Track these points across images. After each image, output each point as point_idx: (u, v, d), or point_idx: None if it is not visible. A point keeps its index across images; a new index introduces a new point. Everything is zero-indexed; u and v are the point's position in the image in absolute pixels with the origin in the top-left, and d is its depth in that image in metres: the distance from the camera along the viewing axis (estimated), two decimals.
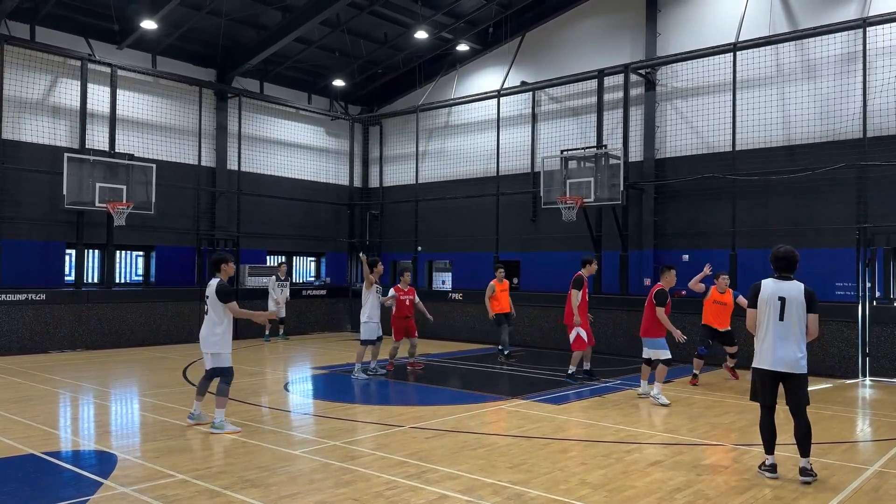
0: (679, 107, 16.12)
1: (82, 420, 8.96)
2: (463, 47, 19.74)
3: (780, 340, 6.16)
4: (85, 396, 10.13)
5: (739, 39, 14.84)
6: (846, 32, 13.67)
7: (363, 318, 11.92)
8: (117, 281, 17.11)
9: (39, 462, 6.59)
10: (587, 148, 16.19)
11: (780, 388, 6.36)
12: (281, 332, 18.13)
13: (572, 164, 15.86)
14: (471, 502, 5.53)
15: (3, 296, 14.34)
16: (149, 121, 17.57)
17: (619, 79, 16.48)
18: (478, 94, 19.33)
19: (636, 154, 16.49)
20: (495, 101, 18.82)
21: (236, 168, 18.93)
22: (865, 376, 12.26)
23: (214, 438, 7.53)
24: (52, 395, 10.10)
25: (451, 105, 20.16)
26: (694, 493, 5.83)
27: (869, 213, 13.20)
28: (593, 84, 16.86)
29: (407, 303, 12.77)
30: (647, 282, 16.25)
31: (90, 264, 16.82)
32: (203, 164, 18.53)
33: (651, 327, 9.92)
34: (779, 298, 6.18)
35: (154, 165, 16.25)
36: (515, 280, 18.67)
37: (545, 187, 16.06)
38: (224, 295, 7.79)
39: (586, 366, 11.73)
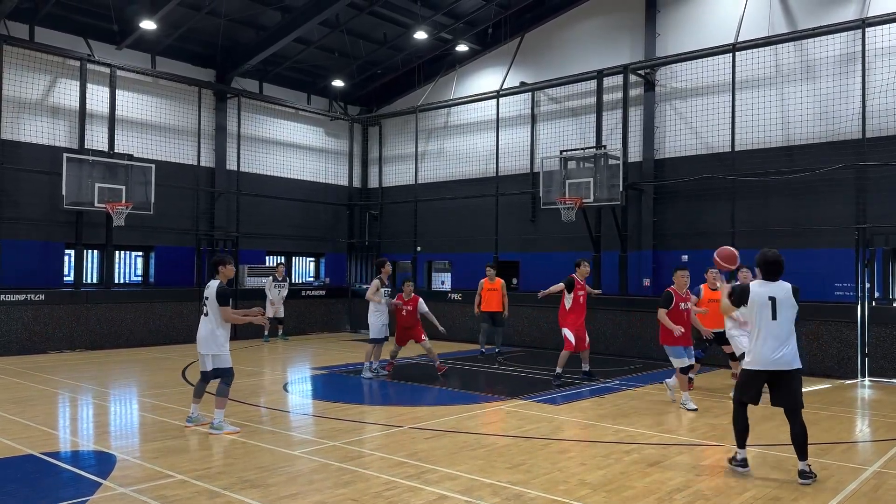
0: (678, 107, 16.13)
1: (81, 420, 8.96)
2: (462, 48, 19.75)
3: (775, 340, 6.26)
4: (84, 397, 10.12)
5: (739, 40, 14.85)
6: (845, 33, 13.69)
7: (370, 318, 11.90)
8: (116, 281, 17.10)
9: (38, 462, 6.59)
10: (586, 148, 16.19)
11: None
12: (280, 332, 18.12)
13: (571, 165, 15.86)
14: (470, 503, 5.53)
15: (2, 296, 14.32)
16: (148, 121, 17.56)
17: (619, 79, 16.49)
18: (477, 95, 19.33)
19: (635, 154, 16.49)
20: (494, 101, 18.83)
21: (235, 168, 18.93)
22: (864, 377, 12.26)
23: (214, 439, 7.52)
24: (51, 395, 10.10)
25: (450, 105, 20.16)
26: (693, 493, 5.84)
27: (868, 213, 13.21)
28: (592, 84, 16.87)
29: (404, 313, 11.98)
30: (647, 282, 16.27)
31: (89, 265, 16.82)
32: (202, 164, 18.53)
33: (661, 333, 9.68)
34: (769, 298, 6.34)
35: (153, 166, 16.25)
36: (515, 280, 18.67)
37: (544, 188, 16.06)
38: (221, 298, 7.78)
39: (585, 367, 11.71)
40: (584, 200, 15.27)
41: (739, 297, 6.49)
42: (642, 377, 12.19)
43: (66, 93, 16.05)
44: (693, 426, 8.42)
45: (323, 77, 20.80)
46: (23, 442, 7.26)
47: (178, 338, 16.61)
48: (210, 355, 7.88)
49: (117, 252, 17.17)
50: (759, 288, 6.41)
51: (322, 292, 20.64)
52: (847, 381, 12.09)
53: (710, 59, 15.26)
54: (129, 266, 17.98)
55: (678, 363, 9.45)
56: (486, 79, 19.82)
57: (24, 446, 7.09)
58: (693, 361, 9.65)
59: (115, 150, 16.27)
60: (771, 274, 6.47)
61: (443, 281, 20.93)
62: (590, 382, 11.38)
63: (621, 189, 15.00)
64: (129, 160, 16.05)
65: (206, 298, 7.87)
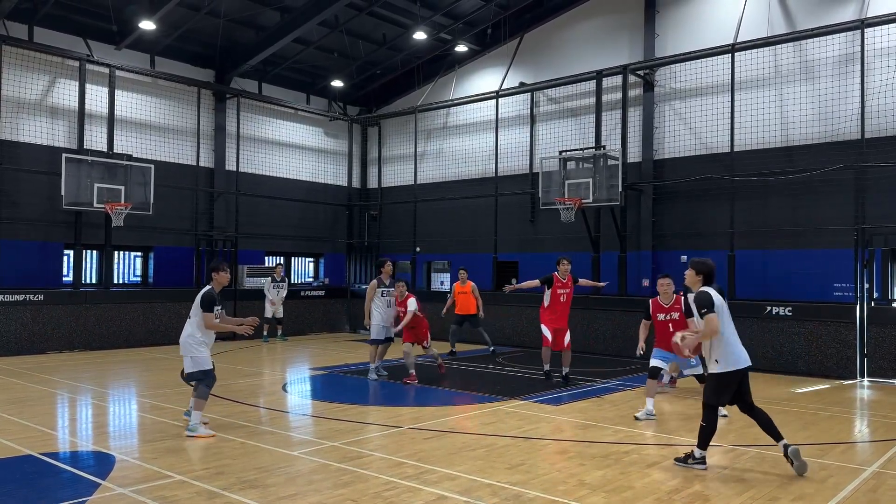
0: (677, 108, 16.13)
1: (80, 421, 8.95)
2: (462, 48, 19.75)
3: (738, 340, 6.55)
4: (83, 397, 10.12)
5: (738, 40, 14.86)
6: (844, 34, 13.70)
7: (372, 320, 11.87)
8: (115, 281, 17.10)
9: (37, 463, 6.58)
10: (586, 149, 16.20)
11: None
12: (280, 332, 18.12)
13: (571, 165, 15.87)
14: (469, 503, 5.53)
15: (2, 296, 14.31)
16: (147, 121, 17.56)
17: (618, 80, 16.50)
18: (476, 95, 19.34)
19: (634, 155, 16.50)
20: (494, 101, 18.83)
21: (235, 169, 18.93)
22: (863, 377, 12.26)
23: (213, 439, 7.51)
24: (50, 395, 10.09)
25: (449, 106, 20.16)
26: (692, 493, 5.84)
27: (867, 214, 13.22)
28: (592, 85, 16.87)
29: (400, 315, 11.49)
30: (646, 283, 16.28)
31: (88, 265, 16.81)
32: (201, 164, 18.53)
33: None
34: (724, 302, 6.60)
35: (152, 166, 16.24)
36: (514, 281, 18.66)
37: (544, 188, 16.07)
38: (205, 304, 7.75)
39: (564, 370, 11.43)
40: (584, 201, 15.27)
41: (710, 307, 6.40)
42: (641, 378, 12.14)
43: (66, 93, 16.04)
44: (692, 427, 8.40)
45: (322, 77, 20.80)
46: (22, 442, 7.26)
47: (177, 338, 16.48)
48: (189, 357, 7.83)
49: (116, 252, 17.16)
50: (717, 295, 6.53)
51: (321, 293, 20.63)
52: (846, 382, 12.09)
53: (709, 59, 15.27)
54: (128, 266, 17.98)
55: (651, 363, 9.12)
56: (486, 79, 19.83)
57: (23, 447, 7.09)
58: (664, 365, 9.02)
59: (115, 151, 16.26)
60: (712, 280, 6.66)
61: (442, 281, 20.93)
62: (567, 387, 11.01)
63: (620, 189, 15.00)
64: (129, 160, 16.04)
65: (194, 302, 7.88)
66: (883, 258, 13.32)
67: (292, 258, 21.42)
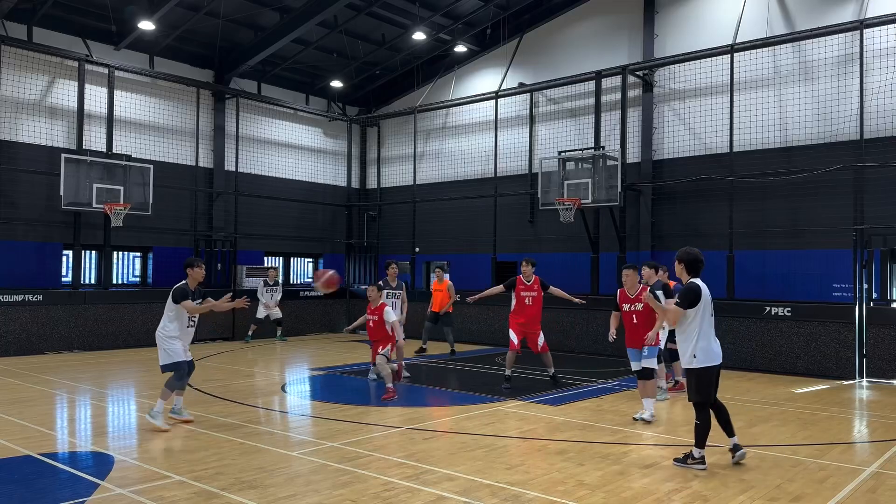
0: (676, 108, 16.14)
1: (79, 421, 8.94)
2: (461, 48, 19.76)
3: (714, 336, 6.65)
4: (82, 397, 10.11)
5: (737, 41, 14.88)
6: (843, 34, 13.71)
7: None
8: (114, 282, 17.08)
9: (36, 463, 6.58)
10: (585, 149, 16.21)
11: None
12: (279, 333, 18.11)
13: (570, 166, 15.87)
14: (468, 503, 5.52)
15: (1, 297, 14.30)
16: (146, 122, 17.55)
17: (617, 80, 16.50)
18: (476, 96, 19.34)
19: (634, 155, 16.51)
20: (493, 102, 18.83)
21: (234, 169, 18.92)
22: (862, 377, 12.27)
23: (212, 440, 7.51)
24: (48, 396, 10.09)
25: (448, 106, 20.16)
26: (691, 494, 5.84)
27: (866, 214, 13.23)
28: (591, 85, 16.87)
29: (371, 324, 10.51)
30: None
31: (87, 265, 16.80)
32: (200, 164, 18.53)
33: None
34: (710, 298, 6.66)
35: (151, 166, 16.24)
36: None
37: (543, 188, 16.07)
38: (175, 296, 8.06)
39: (549, 371, 11.27)
40: (583, 201, 15.28)
41: (692, 300, 6.50)
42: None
43: (65, 93, 16.03)
44: (691, 427, 8.39)
45: (321, 78, 20.80)
46: (21, 443, 7.25)
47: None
48: (162, 349, 8.19)
49: (115, 253, 17.15)
50: (703, 287, 6.60)
51: (320, 293, 20.61)
52: (845, 382, 12.10)
53: (708, 60, 15.28)
54: (127, 267, 17.96)
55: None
56: (485, 79, 19.83)
57: (21, 447, 7.08)
58: (640, 365, 8.78)
59: (114, 151, 16.25)
60: (698, 272, 6.65)
61: None
62: (558, 388, 10.91)
63: (620, 190, 15.01)
64: (128, 161, 16.04)
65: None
66: (882, 258, 13.32)
67: (291, 258, 21.41)
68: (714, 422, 6.71)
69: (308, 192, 21.01)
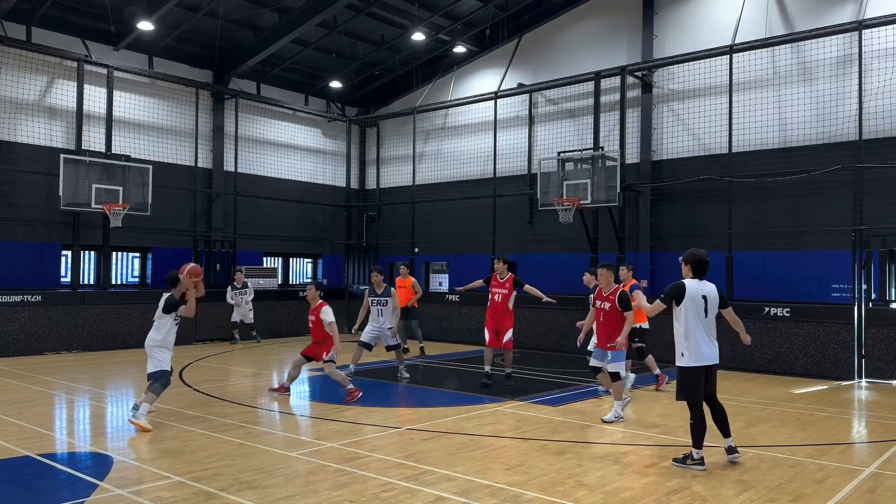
0: (675, 109, 16.15)
1: (78, 422, 8.94)
2: (460, 49, 19.77)
3: (707, 336, 6.63)
4: (81, 398, 10.11)
5: (736, 42, 14.89)
6: (842, 35, 13.72)
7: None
8: (113, 282, 17.07)
9: (35, 464, 6.57)
10: (584, 150, 16.22)
11: None
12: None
13: (569, 166, 15.88)
14: None
15: None
16: (145, 122, 17.55)
17: (616, 81, 16.51)
18: (475, 96, 19.34)
19: (633, 156, 16.51)
20: (492, 102, 18.84)
21: (233, 169, 18.91)
22: (861, 378, 12.28)
23: (210, 440, 7.51)
24: (47, 396, 10.08)
25: (448, 107, 20.17)
26: (690, 494, 5.84)
27: (865, 215, 13.23)
28: (590, 86, 16.88)
29: (311, 324, 10.13)
30: (644, 283, 16.27)
31: (86, 266, 16.79)
32: (200, 165, 18.53)
33: None
34: (702, 297, 6.62)
35: (150, 167, 16.24)
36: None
37: (542, 189, 16.08)
38: (166, 307, 8.57)
39: (507, 370, 11.38)
40: (582, 202, 15.28)
41: (673, 295, 6.66)
42: (639, 378, 12.17)
43: (64, 94, 16.02)
44: (689, 428, 8.41)
45: (321, 78, 20.80)
46: (19, 443, 7.24)
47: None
48: (152, 358, 8.53)
49: (114, 253, 17.15)
50: (693, 286, 6.65)
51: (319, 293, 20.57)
52: (844, 383, 12.11)
53: (707, 60, 15.29)
54: (126, 267, 17.96)
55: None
56: (484, 80, 19.84)
57: (20, 448, 7.08)
58: (598, 364, 8.88)
59: (113, 151, 16.24)
60: (701, 272, 6.73)
61: (440, 282, 20.94)
62: (509, 385, 11.06)
63: (619, 190, 15.01)
64: (127, 161, 16.03)
65: (159, 307, 8.65)
66: (881, 259, 13.33)
67: (290, 259, 21.41)
68: (711, 422, 6.72)
69: (307, 193, 21.01)
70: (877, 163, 13.05)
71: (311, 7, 16.42)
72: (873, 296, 12.86)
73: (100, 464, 6.63)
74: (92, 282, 16.91)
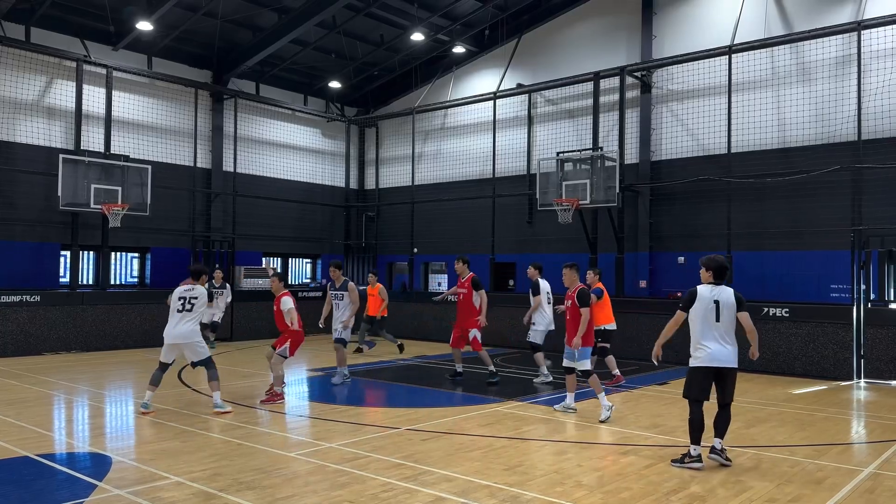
0: (674, 109, 16.16)
1: (77, 422, 8.93)
2: (459, 49, 19.77)
3: (718, 340, 6.70)
4: (79, 398, 10.10)
5: (735, 42, 14.90)
6: (841, 35, 13.74)
7: None
8: (112, 282, 17.06)
9: (34, 464, 6.57)
10: (583, 150, 16.22)
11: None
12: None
13: (568, 167, 15.89)
14: None
15: None
16: (144, 122, 17.55)
17: (615, 81, 16.52)
18: (474, 97, 19.35)
19: (632, 156, 16.52)
20: (491, 103, 18.85)
21: (232, 169, 18.91)
22: (860, 378, 12.28)
23: (210, 441, 7.51)
24: (46, 396, 10.07)
25: (447, 107, 20.17)
26: (689, 494, 5.84)
27: (863, 215, 13.24)
28: (589, 86, 16.89)
29: (275, 314, 10.00)
30: (643, 284, 16.29)
31: (85, 266, 16.79)
32: (199, 165, 18.53)
33: None
34: (714, 302, 6.72)
35: (149, 167, 16.24)
36: (511, 282, 18.68)
37: (541, 189, 16.09)
38: (210, 298, 9.26)
39: (457, 367, 11.80)
40: (581, 202, 15.29)
41: (688, 302, 6.79)
42: (638, 378, 12.20)
43: (63, 94, 16.02)
44: (688, 429, 8.41)
45: (320, 78, 20.80)
46: (18, 444, 7.24)
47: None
48: (195, 346, 8.90)
49: (113, 253, 17.14)
50: (706, 292, 6.78)
51: (319, 294, 20.58)
52: (843, 383, 12.11)
53: (706, 61, 15.31)
54: (125, 267, 17.95)
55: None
56: (483, 80, 19.84)
57: (19, 448, 7.07)
58: (568, 364, 8.99)
59: (112, 152, 16.24)
60: (719, 277, 6.86)
61: (439, 282, 20.94)
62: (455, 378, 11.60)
63: (618, 191, 15.02)
64: (126, 161, 16.03)
65: (195, 298, 8.93)
66: (879, 259, 13.34)
67: (289, 259, 21.40)
68: (709, 422, 6.73)
69: (306, 193, 21.00)
70: (876, 163, 13.07)
71: (310, 7, 16.42)
72: (872, 296, 12.87)
73: (99, 464, 6.63)
74: (91, 282, 16.90)
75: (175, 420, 8.43)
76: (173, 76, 17.79)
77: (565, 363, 9.12)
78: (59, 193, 14.75)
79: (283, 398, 9.82)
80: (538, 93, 18.51)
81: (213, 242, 18.40)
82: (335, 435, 7.86)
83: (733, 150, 14.59)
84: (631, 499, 5.72)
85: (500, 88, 19.09)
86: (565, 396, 9.30)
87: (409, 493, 5.78)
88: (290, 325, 9.64)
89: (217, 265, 17.65)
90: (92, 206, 15.14)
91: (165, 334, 8.95)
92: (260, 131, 20.11)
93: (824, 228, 13.83)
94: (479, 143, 19.61)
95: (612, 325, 11.27)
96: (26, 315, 14.56)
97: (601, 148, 16.00)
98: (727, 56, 14.67)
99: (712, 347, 6.65)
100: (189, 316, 8.90)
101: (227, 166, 18.96)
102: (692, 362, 6.78)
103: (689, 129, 15.84)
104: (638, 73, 16.37)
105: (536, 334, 11.47)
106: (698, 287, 6.84)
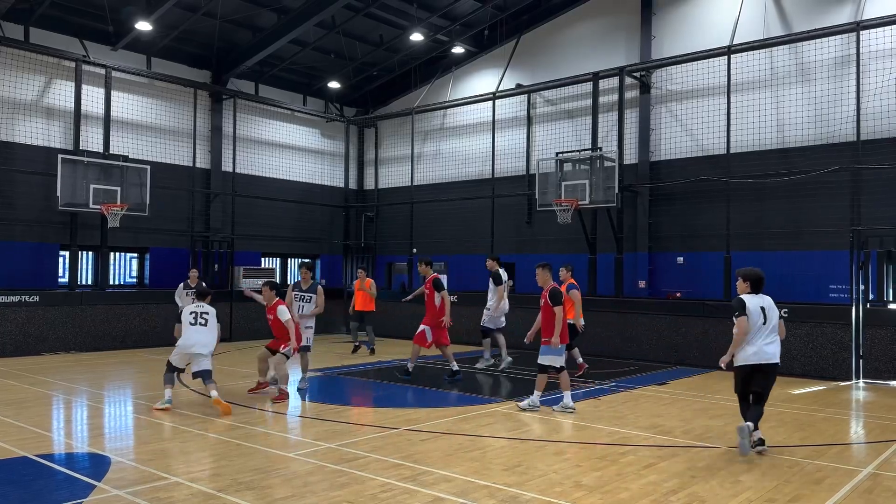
0: (674, 109, 16.17)
1: (76, 422, 8.93)
2: (458, 50, 19.77)
3: (768, 340, 7.36)
4: (78, 398, 10.09)
5: (734, 43, 14.90)
6: (840, 36, 13.75)
7: None
8: (111, 283, 17.05)
9: (33, 465, 6.56)
10: (582, 150, 16.23)
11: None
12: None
13: (567, 167, 15.89)
14: None
15: None
16: (143, 122, 17.54)
17: (614, 81, 16.52)
18: (473, 97, 19.35)
19: (631, 156, 16.52)
20: (491, 103, 18.85)
21: (231, 170, 18.90)
22: (859, 378, 12.29)
23: (209, 441, 7.50)
24: (45, 397, 10.06)
25: (446, 107, 20.17)
26: (689, 495, 5.84)
27: (862, 215, 13.25)
28: (588, 87, 16.90)
29: (270, 323, 10.22)
30: (643, 284, 16.29)
31: (84, 266, 16.78)
32: (198, 165, 18.52)
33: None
34: (760, 308, 7.37)
35: (149, 167, 16.24)
36: (511, 282, 18.64)
37: (540, 189, 16.09)
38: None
39: (410, 366, 11.92)
40: (580, 202, 15.29)
41: (742, 308, 7.35)
42: (638, 379, 12.21)
43: (61, 94, 16.01)
44: (688, 428, 8.43)
45: (319, 78, 20.80)
46: (17, 444, 7.23)
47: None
48: (208, 359, 9.25)
49: (112, 253, 17.13)
50: (750, 300, 7.40)
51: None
52: (842, 383, 12.12)
53: (705, 61, 15.31)
54: (124, 267, 17.94)
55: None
56: (483, 81, 19.85)
57: (18, 448, 7.06)
58: (543, 362, 9.20)
59: (111, 152, 16.23)
60: (758, 287, 7.51)
61: None
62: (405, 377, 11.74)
63: (617, 191, 15.02)
64: (125, 161, 16.02)
65: (206, 314, 9.32)
66: (878, 260, 13.35)
67: (288, 259, 21.40)
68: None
69: (305, 193, 21.00)
70: (875, 163, 13.07)
71: (309, 7, 16.42)
72: (871, 296, 12.87)
73: (98, 464, 6.63)
74: (90, 282, 16.89)
75: (174, 420, 8.43)
76: (172, 76, 17.78)
77: (540, 360, 9.28)
78: (58, 193, 14.75)
79: (288, 397, 10.00)
80: (537, 93, 18.51)
81: (211, 243, 18.40)
82: (334, 435, 7.86)
83: (732, 151, 14.59)
84: (630, 499, 5.72)
85: (500, 89, 19.09)
86: (562, 396, 9.31)
87: (408, 493, 5.78)
88: (290, 335, 10.03)
89: (194, 268, 17.26)
90: (91, 206, 15.13)
91: (181, 345, 9.25)
92: (259, 131, 20.11)
93: (823, 229, 13.83)
94: (479, 144, 19.61)
95: (582, 321, 11.73)
96: (25, 315, 14.55)
97: (600, 148, 16.00)
98: (726, 56, 14.67)
99: (760, 345, 7.30)
100: (204, 329, 9.27)
101: (227, 166, 18.96)
102: (735, 362, 7.40)
103: (689, 129, 15.85)
104: (637, 74, 16.37)
105: (492, 320, 12.29)
106: (742, 297, 7.42)
